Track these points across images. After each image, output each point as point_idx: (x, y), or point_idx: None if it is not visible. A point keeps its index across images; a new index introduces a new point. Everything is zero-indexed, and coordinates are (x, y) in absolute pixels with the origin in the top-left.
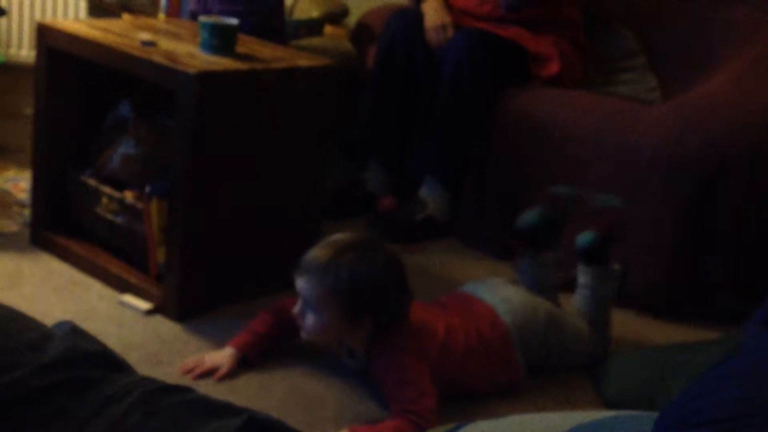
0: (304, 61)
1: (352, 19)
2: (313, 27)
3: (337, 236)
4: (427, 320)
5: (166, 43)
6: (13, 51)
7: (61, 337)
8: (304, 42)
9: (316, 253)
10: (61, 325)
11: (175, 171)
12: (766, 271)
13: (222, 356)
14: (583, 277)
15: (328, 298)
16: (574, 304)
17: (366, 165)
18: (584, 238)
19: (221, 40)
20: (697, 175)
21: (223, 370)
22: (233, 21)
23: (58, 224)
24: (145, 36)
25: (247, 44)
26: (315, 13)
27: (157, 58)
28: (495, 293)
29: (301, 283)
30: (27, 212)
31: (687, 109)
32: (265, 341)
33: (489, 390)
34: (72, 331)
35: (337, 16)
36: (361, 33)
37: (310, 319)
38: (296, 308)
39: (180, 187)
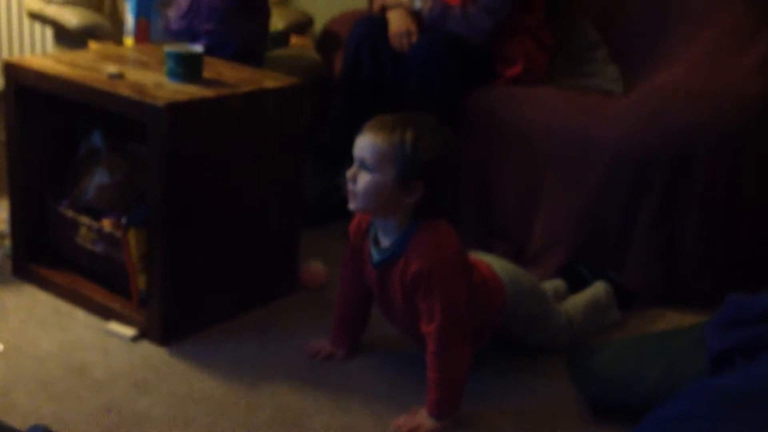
0: (271, 83)
1: (317, 28)
2: (279, 39)
3: (405, 113)
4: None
5: (133, 74)
6: None
7: None
8: (272, 54)
9: (383, 118)
10: (35, 429)
11: (150, 199)
12: (735, 255)
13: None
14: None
15: (390, 154)
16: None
17: (339, 171)
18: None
19: (187, 68)
20: (662, 166)
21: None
22: (198, 49)
23: (39, 254)
24: (112, 68)
25: (215, 68)
26: (280, 25)
27: (125, 91)
28: (487, 256)
29: (363, 142)
30: (7, 243)
31: (650, 101)
32: (354, 323)
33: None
34: None
35: (302, 26)
36: (327, 41)
37: (363, 179)
38: (350, 172)
39: (156, 215)
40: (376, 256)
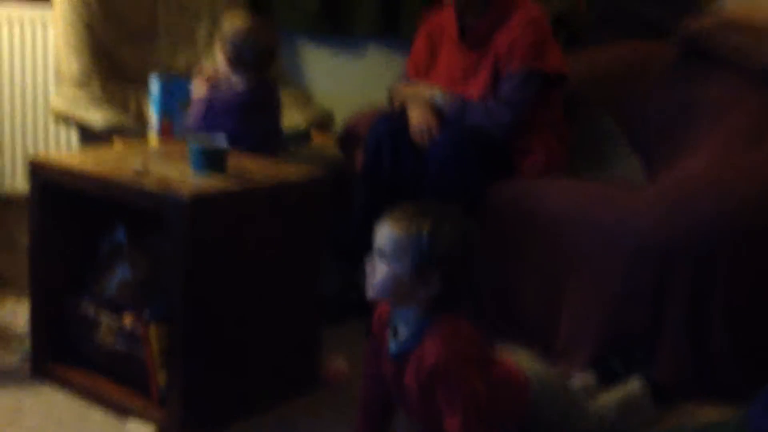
0: (294, 175)
1: (337, 125)
2: (301, 136)
3: (426, 202)
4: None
5: (158, 168)
6: (7, 182)
7: None
8: (293, 151)
9: (403, 208)
10: None
11: (171, 294)
12: (763, 349)
13: None
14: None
15: (406, 244)
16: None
17: (359, 268)
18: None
19: (211, 162)
20: (688, 256)
21: None
22: (222, 142)
23: (58, 354)
24: (137, 163)
25: (239, 161)
26: (301, 123)
27: (149, 185)
28: (515, 354)
29: (383, 232)
30: (27, 344)
31: (672, 191)
32: (378, 422)
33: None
34: None
35: (323, 124)
36: (348, 138)
37: (380, 271)
38: (367, 264)
39: (177, 310)
40: (393, 347)
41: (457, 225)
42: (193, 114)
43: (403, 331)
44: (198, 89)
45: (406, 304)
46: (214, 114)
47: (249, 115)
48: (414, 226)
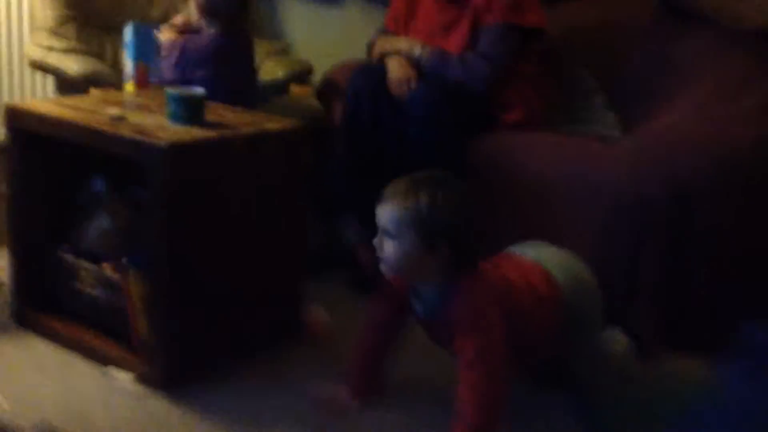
0: (272, 125)
1: (316, 77)
2: (279, 87)
3: (416, 173)
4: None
5: (135, 117)
6: None
7: None
8: (271, 102)
9: (397, 183)
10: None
11: (151, 242)
12: (739, 300)
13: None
14: None
15: (408, 221)
16: None
17: (341, 220)
18: None
19: (189, 111)
20: (663, 210)
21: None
22: (200, 90)
23: (38, 302)
24: (114, 111)
25: (216, 111)
26: (280, 74)
27: (126, 132)
28: (541, 252)
29: (382, 211)
30: (7, 293)
31: (649, 145)
32: (376, 370)
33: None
34: None
35: (301, 75)
36: (327, 89)
37: (389, 248)
38: (376, 240)
39: (157, 259)
40: (419, 310)
41: (453, 190)
42: (166, 61)
43: (427, 295)
44: (165, 35)
45: (422, 278)
46: (188, 61)
47: (223, 63)
48: (411, 201)
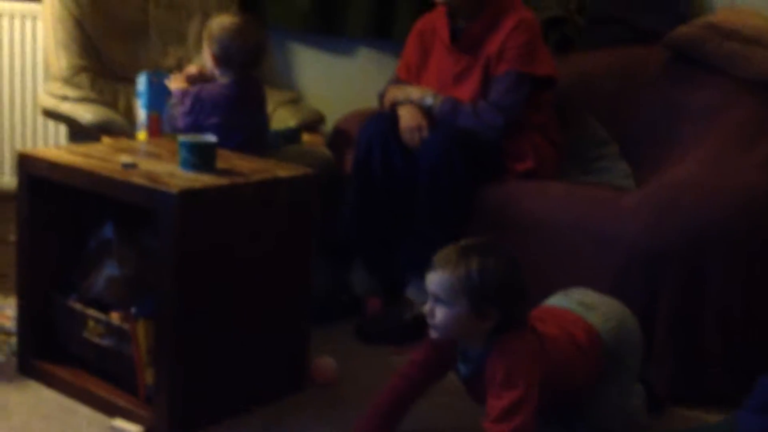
0: (284, 172)
1: (328, 126)
2: (291, 136)
3: (463, 240)
4: (540, 331)
5: (146, 164)
6: None
7: None
8: (283, 150)
9: (447, 251)
10: None
11: (159, 290)
12: (754, 353)
13: None
14: None
15: (459, 288)
16: None
17: (351, 268)
18: None
19: (201, 158)
20: (676, 263)
21: None
22: (212, 138)
23: (45, 351)
24: (126, 158)
25: (228, 159)
26: (292, 123)
27: (137, 179)
28: (585, 299)
29: (433, 278)
30: (13, 341)
31: (662, 197)
32: (390, 419)
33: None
34: None
35: (313, 124)
36: (339, 138)
37: (440, 313)
38: (427, 306)
39: (165, 307)
40: (463, 370)
41: (502, 256)
42: (177, 109)
43: (473, 355)
44: (174, 84)
45: (471, 341)
46: (201, 109)
47: (236, 111)
48: (462, 267)
